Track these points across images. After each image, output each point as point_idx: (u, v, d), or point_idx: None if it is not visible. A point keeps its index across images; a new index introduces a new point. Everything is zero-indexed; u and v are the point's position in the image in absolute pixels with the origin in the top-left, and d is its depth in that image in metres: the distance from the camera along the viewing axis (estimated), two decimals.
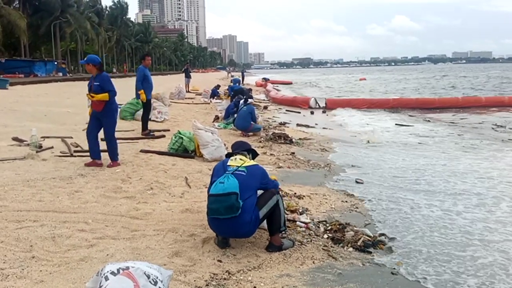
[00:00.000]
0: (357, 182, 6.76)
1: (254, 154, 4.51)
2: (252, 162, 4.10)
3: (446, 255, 4.11)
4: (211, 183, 4.01)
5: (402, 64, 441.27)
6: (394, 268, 3.70)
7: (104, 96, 6.45)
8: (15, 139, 8.32)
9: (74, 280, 3.15)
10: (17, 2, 52.45)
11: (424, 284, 3.50)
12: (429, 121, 17.14)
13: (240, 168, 3.92)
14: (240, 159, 4.06)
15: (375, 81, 60.83)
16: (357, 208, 5.41)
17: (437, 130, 14.25)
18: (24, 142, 7.86)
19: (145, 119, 10.21)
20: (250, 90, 22.41)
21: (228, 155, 4.32)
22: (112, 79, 6.73)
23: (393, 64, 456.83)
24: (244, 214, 3.71)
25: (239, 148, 4.40)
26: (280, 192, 5.46)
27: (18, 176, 5.89)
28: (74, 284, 3.10)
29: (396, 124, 15.46)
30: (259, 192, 3.98)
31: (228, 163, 4.04)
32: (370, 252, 4.02)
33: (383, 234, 4.43)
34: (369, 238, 4.25)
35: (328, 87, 47.75)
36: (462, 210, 5.52)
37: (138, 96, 9.97)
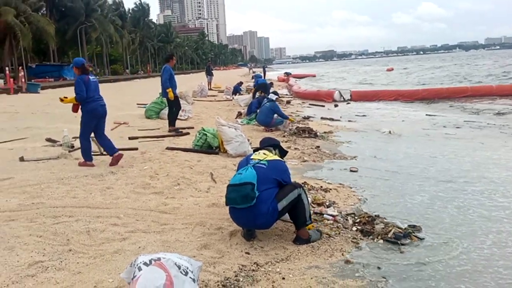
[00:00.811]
0: (351, 171, 6.75)
1: (282, 151, 4.56)
2: (275, 157, 4.15)
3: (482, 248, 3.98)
4: None
5: (432, 52, 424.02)
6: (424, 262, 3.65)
7: (71, 99, 6.62)
8: (48, 140, 8.64)
9: (109, 271, 3.27)
10: (44, 9, 53.69)
11: (456, 277, 3.41)
12: (463, 110, 16.62)
13: (261, 161, 3.98)
14: (264, 153, 4.13)
15: (403, 71, 59.05)
16: (384, 200, 5.37)
17: (470, 119, 13.86)
18: (57, 143, 8.16)
19: (173, 116, 10.44)
20: (271, 84, 22.38)
21: (255, 150, 4.39)
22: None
23: (421, 53, 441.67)
24: (260, 204, 3.75)
25: (265, 144, 4.48)
26: (305, 186, 5.55)
27: (53, 174, 6.14)
28: (109, 275, 3.22)
29: (427, 115, 15.08)
30: None
31: (251, 157, 4.12)
32: (402, 244, 3.96)
33: (413, 226, 4.35)
34: (400, 230, 4.18)
35: (353, 79, 46.90)
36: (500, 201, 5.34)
37: (165, 94, 10.18)
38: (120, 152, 6.89)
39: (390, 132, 10.97)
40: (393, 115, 15.74)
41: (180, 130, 10.37)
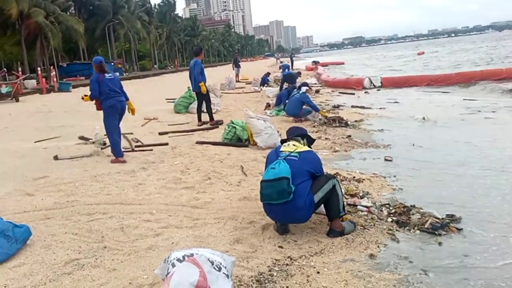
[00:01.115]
0: (386, 160, 6.62)
1: (309, 140, 4.47)
2: (305, 148, 4.06)
3: None
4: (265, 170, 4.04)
5: (463, 34, 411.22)
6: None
7: (88, 97, 6.87)
8: (81, 138, 8.80)
9: (144, 268, 3.29)
10: (73, 8, 54.71)
11: (498, 272, 3.26)
12: (502, 93, 15.89)
13: (292, 154, 3.90)
14: (293, 145, 4.05)
15: (434, 55, 57.29)
16: (420, 189, 5.21)
17: (509, 103, 13.17)
18: (90, 140, 8.31)
19: (210, 110, 10.53)
20: (299, 73, 22.16)
21: (283, 141, 4.33)
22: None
23: (453, 35, 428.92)
24: (297, 199, 3.68)
25: (293, 134, 4.38)
26: (338, 176, 5.45)
27: (87, 172, 6.25)
28: (143, 271, 3.23)
29: (464, 99, 14.48)
30: None
31: (280, 149, 4.04)
32: (439, 235, 3.83)
33: (452, 216, 4.19)
34: (437, 220, 4.05)
35: (383, 65, 45.85)
36: None
37: (197, 88, 10.20)
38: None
39: (424, 118, 10.65)
40: (427, 100, 15.29)
41: (219, 121, 10.46)
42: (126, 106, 7.09)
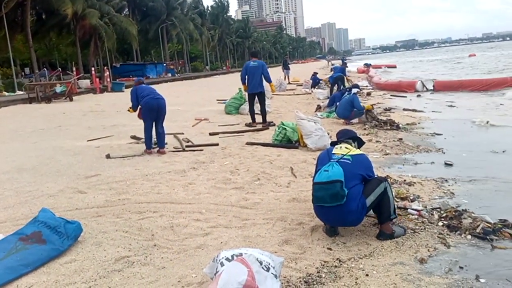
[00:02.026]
0: (446, 164, 6.45)
1: (360, 143, 4.43)
2: (357, 151, 4.03)
3: None
4: (316, 172, 4.01)
5: None
6: None
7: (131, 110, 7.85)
8: (133, 137, 9.06)
9: (192, 266, 3.34)
10: (127, 10, 56.45)
11: None
12: None
13: (345, 157, 3.87)
14: (346, 148, 4.01)
15: (487, 58, 55.27)
16: (474, 194, 5.04)
17: None
18: (141, 140, 8.50)
19: (265, 111, 10.75)
20: (345, 64, 21.76)
21: (333, 144, 4.28)
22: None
23: (508, 39, 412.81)
24: (350, 202, 3.65)
25: (344, 136, 4.35)
26: (389, 179, 5.33)
27: (138, 171, 6.40)
28: (192, 270, 3.29)
29: None
30: None
31: (333, 151, 4.00)
32: (491, 240, 3.72)
33: (504, 220, 4.05)
34: (489, 225, 3.94)
35: (435, 68, 44.47)
36: None
37: (260, 88, 10.51)
38: (165, 150, 7.65)
39: (488, 122, 10.15)
40: (484, 104, 14.66)
41: (271, 123, 10.63)
42: (165, 105, 7.64)
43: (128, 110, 7.98)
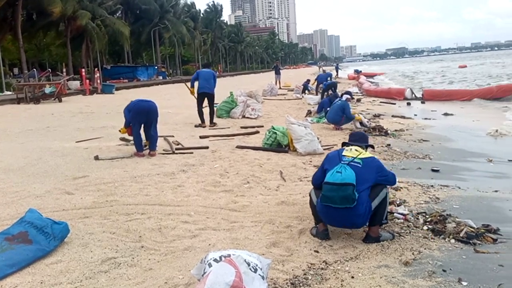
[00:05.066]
0: (433, 170, 6.57)
1: (369, 147, 4.43)
2: (368, 155, 4.01)
3: None
4: (323, 170, 4.01)
5: (507, 48, 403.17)
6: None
7: (124, 130, 7.67)
8: (122, 139, 8.97)
9: (180, 268, 3.34)
10: (120, 12, 56.17)
11: None
12: None
13: (355, 160, 3.87)
14: (356, 150, 4.00)
15: (477, 68, 56.04)
16: (458, 199, 5.14)
17: None
18: (130, 142, 8.42)
19: (213, 113, 11.52)
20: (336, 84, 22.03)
21: (344, 144, 4.29)
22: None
23: (496, 48, 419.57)
24: (359, 206, 3.68)
25: (357, 141, 4.29)
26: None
27: (126, 173, 6.36)
28: (179, 271, 3.28)
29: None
30: None
31: (343, 153, 4.00)
32: (474, 244, 3.81)
33: (487, 225, 4.16)
34: (472, 230, 4.03)
35: (425, 77, 44.93)
36: None
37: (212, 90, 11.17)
38: (154, 153, 7.57)
39: (497, 131, 10.25)
40: (475, 113, 14.88)
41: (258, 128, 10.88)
42: (156, 108, 7.60)
43: (120, 131, 7.84)
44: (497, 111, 15.55)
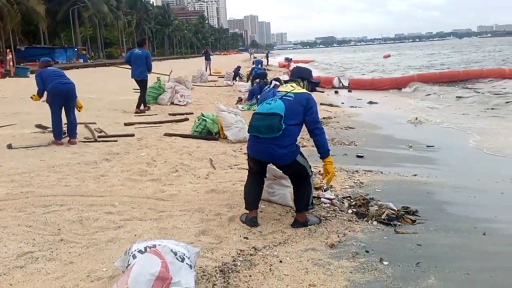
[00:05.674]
0: (358, 156, 6.83)
1: (312, 86, 4.33)
2: (302, 90, 3.98)
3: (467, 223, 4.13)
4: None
5: (427, 40, 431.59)
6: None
7: (37, 97, 7.24)
8: (38, 126, 8.43)
9: (103, 260, 3.21)
10: None
11: (447, 254, 3.46)
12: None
13: (288, 94, 3.87)
14: (291, 86, 4.00)
15: (400, 58, 59.20)
16: (382, 183, 5.38)
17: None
18: (48, 129, 7.92)
19: (144, 99, 11.27)
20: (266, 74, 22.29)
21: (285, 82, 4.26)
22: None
23: (417, 40, 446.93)
24: (284, 137, 3.70)
25: (295, 75, 4.28)
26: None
27: (44, 162, 5.98)
28: (103, 264, 3.16)
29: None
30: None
31: (278, 90, 4.02)
32: (395, 225, 4.01)
33: (406, 207, 4.39)
34: (393, 212, 4.24)
35: (352, 66, 46.67)
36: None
37: (144, 76, 10.90)
38: (76, 140, 7.21)
39: (416, 119, 10.90)
40: (397, 102, 15.66)
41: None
42: (75, 91, 7.23)
43: (32, 98, 7.34)
44: (416, 100, 16.49)
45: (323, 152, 3.91)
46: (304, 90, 4.02)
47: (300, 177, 3.94)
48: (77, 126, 7.36)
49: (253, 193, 4.06)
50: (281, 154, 3.78)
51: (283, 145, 3.73)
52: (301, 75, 4.31)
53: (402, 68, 35.87)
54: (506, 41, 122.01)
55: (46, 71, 7.12)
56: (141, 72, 10.73)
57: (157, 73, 12.34)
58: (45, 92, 7.10)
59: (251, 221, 3.94)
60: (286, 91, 3.91)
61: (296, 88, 3.97)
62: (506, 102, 13.86)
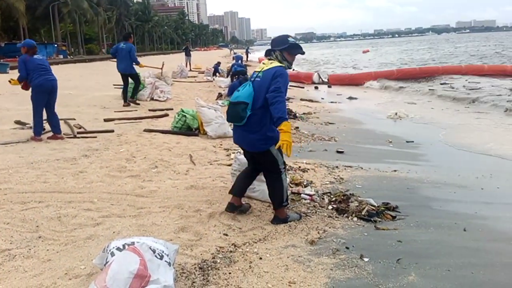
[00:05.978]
0: (338, 152, 6.88)
1: (290, 51, 3.85)
2: (271, 65, 3.69)
3: (449, 219, 4.14)
4: None
5: (406, 35, 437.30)
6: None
7: (16, 81, 7.00)
8: (17, 122, 8.30)
9: (81, 258, 3.16)
10: None
11: (428, 250, 3.48)
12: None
13: (258, 74, 3.77)
14: (263, 63, 3.81)
15: (378, 53, 59.92)
16: (358, 179, 5.40)
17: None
18: (27, 125, 7.83)
19: (131, 92, 11.49)
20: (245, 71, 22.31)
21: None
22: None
23: (396, 36, 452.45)
24: (252, 124, 3.70)
25: (272, 46, 3.88)
26: (285, 166, 5.49)
27: (22, 158, 5.89)
28: (81, 261, 3.12)
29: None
30: None
31: (254, 70, 3.97)
32: (375, 221, 4.01)
33: (386, 203, 4.40)
34: (373, 208, 4.23)
35: (331, 61, 46.98)
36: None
37: (131, 69, 11.08)
38: (62, 136, 7.12)
39: (396, 114, 11.03)
40: (377, 98, 15.81)
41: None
42: (57, 87, 7.11)
43: (10, 81, 7.15)
44: (395, 95, 16.68)
45: (275, 118, 3.51)
46: (275, 64, 3.71)
47: (270, 170, 3.89)
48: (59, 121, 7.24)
49: (241, 181, 4.09)
50: (251, 139, 3.77)
51: (252, 130, 3.72)
52: (271, 47, 3.88)
53: (380, 63, 36.26)
54: (482, 37, 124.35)
55: (32, 61, 6.86)
56: (126, 66, 10.80)
57: (149, 66, 12.27)
58: (25, 81, 6.89)
59: (228, 206, 3.99)
60: (257, 71, 3.80)
61: (267, 64, 3.73)
62: (480, 98, 14.14)
